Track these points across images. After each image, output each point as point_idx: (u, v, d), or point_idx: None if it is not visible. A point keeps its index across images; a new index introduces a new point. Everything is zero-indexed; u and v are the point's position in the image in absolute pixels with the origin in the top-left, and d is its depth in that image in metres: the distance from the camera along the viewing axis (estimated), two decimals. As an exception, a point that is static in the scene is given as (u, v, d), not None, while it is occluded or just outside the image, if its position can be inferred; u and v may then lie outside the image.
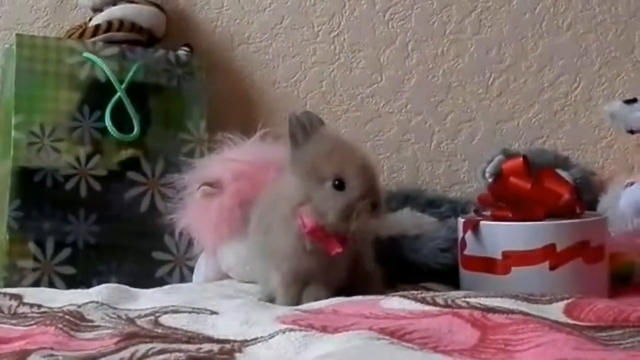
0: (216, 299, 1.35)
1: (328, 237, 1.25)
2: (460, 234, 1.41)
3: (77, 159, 1.67)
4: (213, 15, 1.94)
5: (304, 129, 1.25)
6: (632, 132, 1.80)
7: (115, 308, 1.26)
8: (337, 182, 1.22)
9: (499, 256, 1.34)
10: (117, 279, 1.60)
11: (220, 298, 1.36)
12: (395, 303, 1.13)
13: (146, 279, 1.63)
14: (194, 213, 1.58)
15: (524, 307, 1.08)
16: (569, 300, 1.11)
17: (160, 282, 1.63)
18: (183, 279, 1.71)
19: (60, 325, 1.10)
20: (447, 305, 1.10)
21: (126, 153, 1.71)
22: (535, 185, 1.40)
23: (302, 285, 1.29)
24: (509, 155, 1.69)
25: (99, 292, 1.36)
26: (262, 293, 1.38)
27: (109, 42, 1.76)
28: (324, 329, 1.03)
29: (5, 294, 1.37)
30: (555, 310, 1.09)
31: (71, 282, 1.61)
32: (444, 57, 1.94)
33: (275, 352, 0.98)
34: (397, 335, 0.98)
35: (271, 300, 1.32)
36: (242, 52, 1.94)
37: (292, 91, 1.94)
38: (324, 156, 1.24)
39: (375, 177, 1.26)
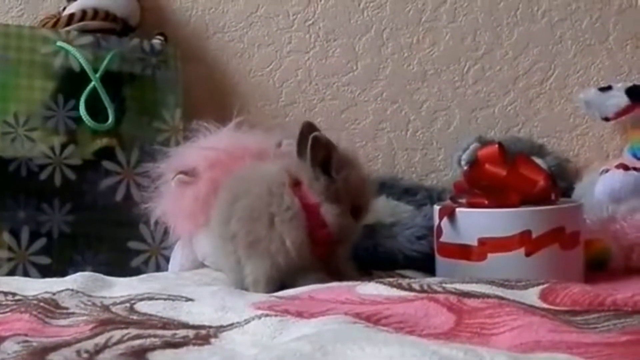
0: (192, 286, 1.34)
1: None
2: (436, 221, 1.41)
3: (52, 149, 1.66)
4: (188, 4, 1.93)
5: (343, 162, 1.30)
6: (607, 119, 1.81)
7: (90, 295, 1.25)
8: (356, 211, 1.32)
9: (474, 243, 1.34)
10: (92, 268, 1.59)
11: (196, 285, 1.36)
12: (371, 289, 1.13)
13: (122, 268, 1.62)
14: (170, 202, 1.57)
15: (499, 292, 1.08)
16: (545, 286, 1.12)
17: (136, 272, 1.62)
18: (159, 269, 1.70)
19: (34, 312, 1.10)
20: (423, 291, 1.10)
21: (101, 142, 1.70)
22: (510, 172, 1.40)
23: (280, 277, 1.29)
24: (484, 142, 1.70)
25: (74, 280, 1.35)
26: (233, 284, 1.35)
27: (83, 31, 1.75)
28: (299, 315, 1.03)
29: (-21, 284, 1.36)
30: (531, 295, 1.09)
31: (46, 272, 1.60)
32: (419, 45, 1.94)
33: (250, 337, 0.98)
34: (373, 319, 0.98)
35: (244, 289, 1.31)
36: (217, 40, 1.94)
37: (268, 80, 1.93)
38: (361, 188, 1.33)
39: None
